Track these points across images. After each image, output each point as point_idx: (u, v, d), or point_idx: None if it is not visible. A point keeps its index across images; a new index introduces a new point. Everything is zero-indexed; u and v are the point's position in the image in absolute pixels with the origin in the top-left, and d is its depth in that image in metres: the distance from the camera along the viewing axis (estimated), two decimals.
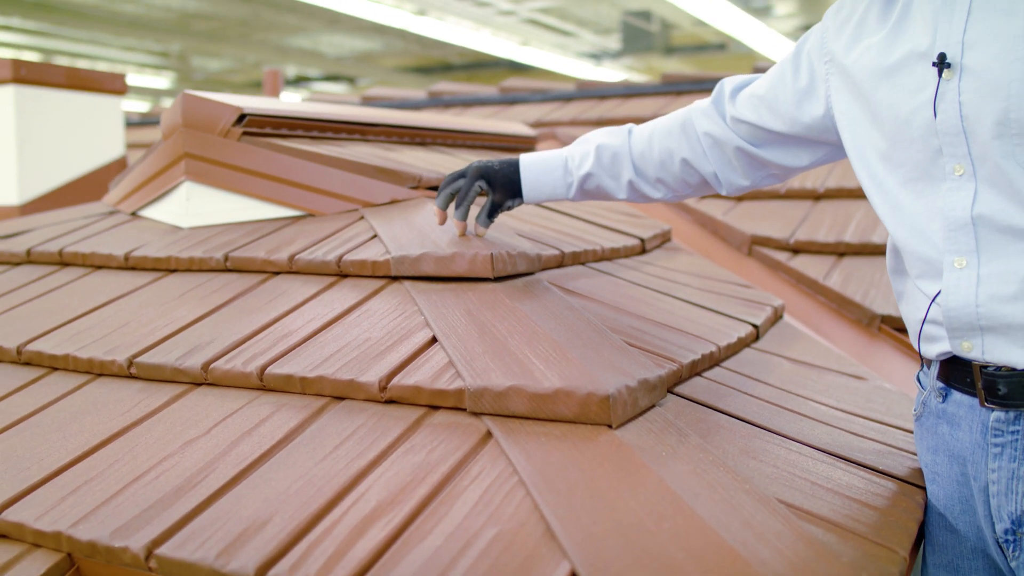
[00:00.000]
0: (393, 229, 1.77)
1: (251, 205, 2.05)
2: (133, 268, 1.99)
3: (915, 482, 1.29)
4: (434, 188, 2.02)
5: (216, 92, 2.17)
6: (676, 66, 17.27)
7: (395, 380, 1.29)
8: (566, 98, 4.33)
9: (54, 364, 1.63)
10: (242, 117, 2.05)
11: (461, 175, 1.61)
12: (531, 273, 1.66)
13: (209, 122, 2.08)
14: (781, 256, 2.45)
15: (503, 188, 1.59)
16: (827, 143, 1.40)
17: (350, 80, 21.71)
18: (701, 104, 1.52)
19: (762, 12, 14.25)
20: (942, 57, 1.11)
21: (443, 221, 1.64)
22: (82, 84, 3.60)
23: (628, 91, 4.21)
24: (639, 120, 2.34)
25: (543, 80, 4.79)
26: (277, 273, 1.78)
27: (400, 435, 1.21)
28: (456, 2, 14.15)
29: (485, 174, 1.59)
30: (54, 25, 14.32)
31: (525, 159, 1.60)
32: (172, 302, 1.74)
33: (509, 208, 1.62)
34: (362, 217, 1.91)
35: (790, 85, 1.39)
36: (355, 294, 1.61)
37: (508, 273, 1.58)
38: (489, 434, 1.18)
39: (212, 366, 1.44)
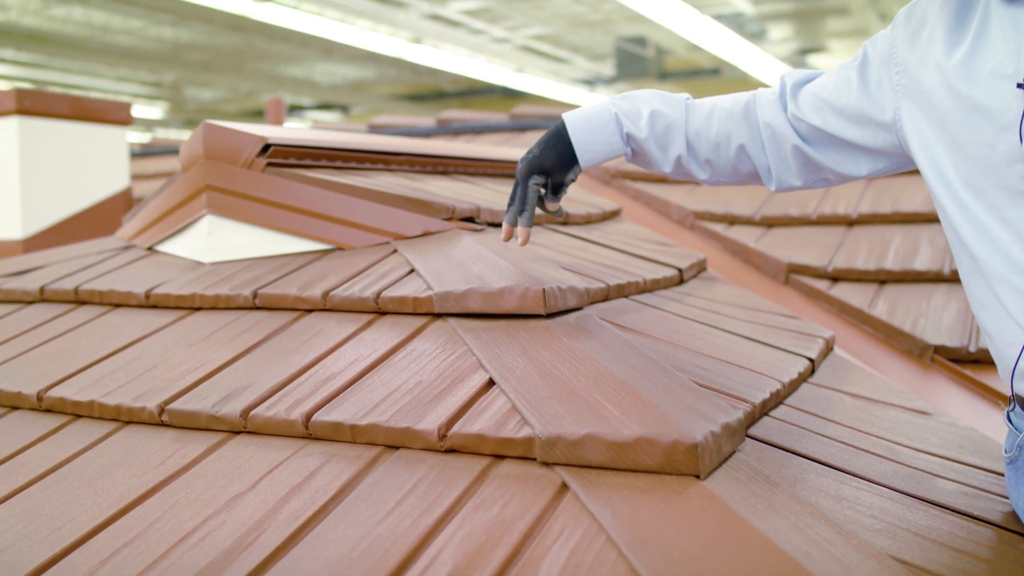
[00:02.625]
0: (431, 263, 1.68)
1: (276, 239, 1.96)
2: (154, 307, 1.90)
3: (1014, 528, 1.20)
4: (467, 219, 1.94)
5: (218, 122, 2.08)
6: (670, 90, 17.30)
7: (455, 428, 1.20)
8: None
9: (78, 411, 1.53)
10: (266, 147, 1.97)
11: (515, 185, 1.55)
12: (580, 308, 1.57)
13: (232, 153, 1.99)
14: (820, 284, 2.37)
15: (556, 167, 1.51)
16: (891, 155, 1.32)
17: (343, 108, 21.75)
18: (766, 93, 1.45)
19: (757, 36, 14.31)
20: None
21: (508, 237, 1.57)
22: (87, 115, 3.51)
23: None
24: None
25: (544, 106, 4.73)
26: (310, 311, 1.69)
27: (466, 488, 1.12)
28: (451, 30, 14.20)
29: (532, 167, 1.51)
30: (47, 57, 14.30)
31: (570, 123, 1.50)
32: (200, 343, 1.65)
33: (572, 180, 1.55)
34: (395, 251, 1.83)
35: (856, 92, 1.30)
36: (396, 333, 1.52)
37: (559, 309, 1.50)
38: (565, 487, 1.09)
39: (252, 413, 1.35)
